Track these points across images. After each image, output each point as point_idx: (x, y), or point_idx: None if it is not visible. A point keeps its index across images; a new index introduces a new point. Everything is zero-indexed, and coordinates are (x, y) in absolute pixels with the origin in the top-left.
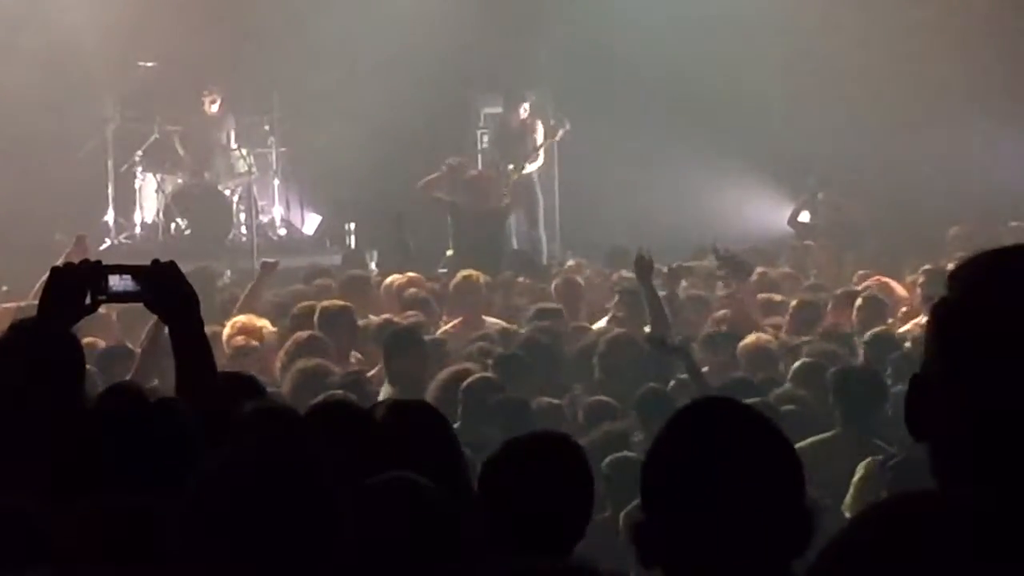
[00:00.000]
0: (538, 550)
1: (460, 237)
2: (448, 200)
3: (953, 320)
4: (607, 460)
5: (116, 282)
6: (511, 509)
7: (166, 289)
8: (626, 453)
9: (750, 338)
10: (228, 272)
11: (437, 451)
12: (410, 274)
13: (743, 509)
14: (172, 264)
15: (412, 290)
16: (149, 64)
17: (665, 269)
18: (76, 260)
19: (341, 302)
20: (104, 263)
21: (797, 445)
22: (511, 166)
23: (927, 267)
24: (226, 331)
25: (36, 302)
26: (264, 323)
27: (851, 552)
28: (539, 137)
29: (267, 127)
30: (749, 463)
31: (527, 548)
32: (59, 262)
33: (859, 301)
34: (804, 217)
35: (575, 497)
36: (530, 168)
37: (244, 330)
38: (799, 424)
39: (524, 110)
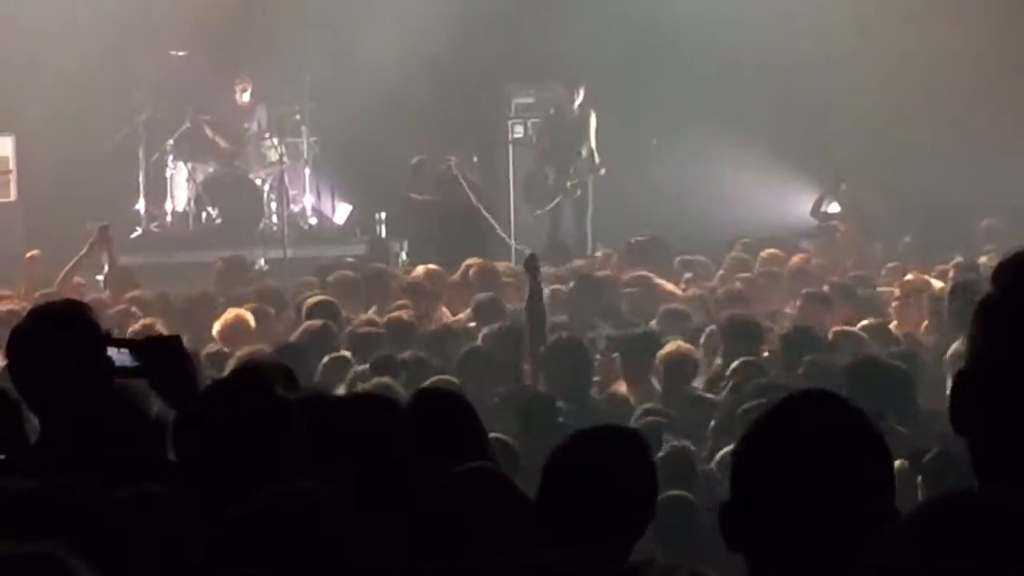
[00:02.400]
0: (599, 546)
1: (439, 232)
2: (420, 199)
3: (1000, 317)
4: None
5: (115, 355)
6: (575, 503)
7: (167, 367)
8: None
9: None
10: (262, 260)
11: (465, 438)
12: (431, 266)
13: (836, 502)
14: (175, 339)
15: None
16: (181, 53)
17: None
18: (100, 250)
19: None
20: (106, 335)
21: None
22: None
23: (958, 260)
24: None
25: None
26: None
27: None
28: (593, 135)
29: (298, 116)
30: (844, 456)
31: (588, 544)
32: (83, 252)
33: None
34: (833, 208)
35: (639, 494)
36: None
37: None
38: None
39: (581, 93)
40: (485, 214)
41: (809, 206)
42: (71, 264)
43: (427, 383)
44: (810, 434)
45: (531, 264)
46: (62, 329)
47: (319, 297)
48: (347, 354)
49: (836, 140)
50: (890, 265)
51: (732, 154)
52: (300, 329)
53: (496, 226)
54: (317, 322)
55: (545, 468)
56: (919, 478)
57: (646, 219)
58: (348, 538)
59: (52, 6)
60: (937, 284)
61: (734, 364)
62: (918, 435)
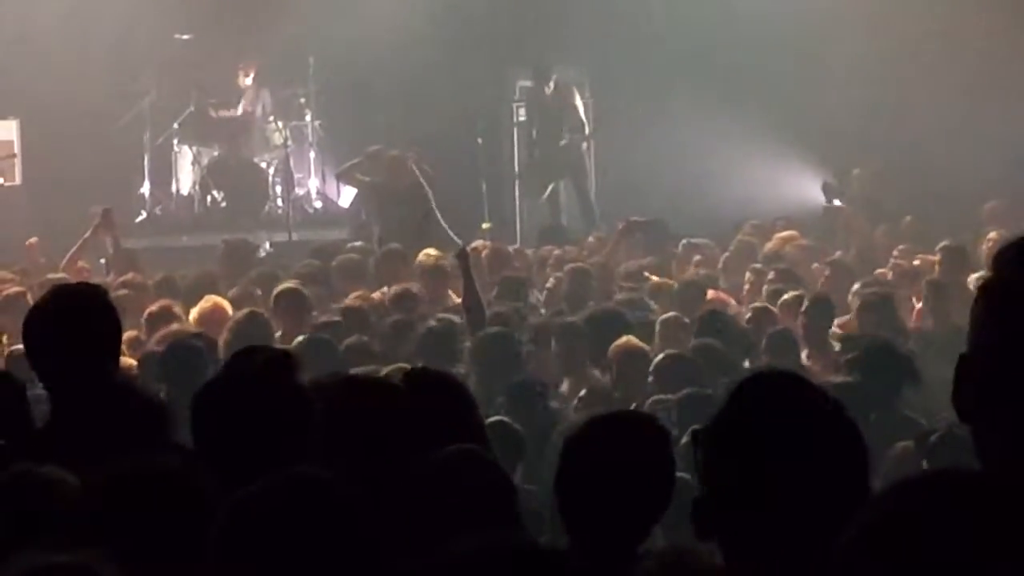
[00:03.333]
0: (615, 532)
1: (384, 215)
2: (367, 181)
3: (1003, 300)
4: None
5: None
6: (592, 488)
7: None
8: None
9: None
10: (267, 244)
11: (457, 419)
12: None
13: (806, 485)
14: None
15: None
16: (185, 37)
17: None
18: (104, 234)
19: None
20: None
21: None
22: (563, 141)
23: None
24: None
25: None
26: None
27: (884, 522)
28: (579, 106)
29: (303, 100)
30: (811, 438)
31: (604, 529)
32: (87, 235)
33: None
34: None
35: (656, 480)
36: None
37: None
38: None
39: (552, 83)
40: (432, 204)
41: (815, 189)
42: (75, 247)
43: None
44: (774, 416)
45: (463, 257)
46: (81, 310)
47: (286, 285)
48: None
49: (843, 121)
50: (901, 247)
51: (739, 135)
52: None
53: (439, 217)
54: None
55: (562, 454)
56: (924, 461)
57: (652, 200)
58: (350, 524)
59: None
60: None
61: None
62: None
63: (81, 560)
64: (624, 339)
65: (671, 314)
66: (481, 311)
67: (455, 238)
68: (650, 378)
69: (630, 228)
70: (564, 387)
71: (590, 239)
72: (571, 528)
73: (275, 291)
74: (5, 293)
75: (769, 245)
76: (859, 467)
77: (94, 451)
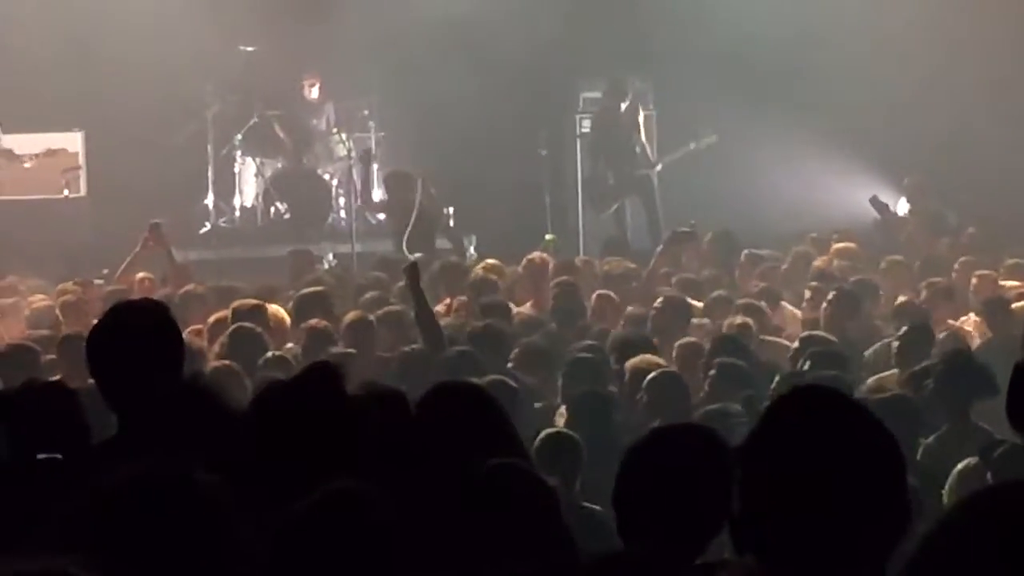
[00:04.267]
0: (674, 544)
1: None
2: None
3: None
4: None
5: None
6: (652, 500)
7: None
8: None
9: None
10: (331, 255)
11: (492, 433)
12: (490, 261)
13: (842, 499)
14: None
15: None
16: (250, 49)
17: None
18: (154, 248)
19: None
20: None
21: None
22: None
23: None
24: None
25: (123, 286)
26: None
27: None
28: (640, 125)
29: (366, 112)
30: (849, 452)
31: (663, 541)
32: (136, 249)
33: None
34: (901, 205)
35: (715, 493)
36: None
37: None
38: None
39: (628, 100)
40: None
41: (871, 200)
42: (126, 262)
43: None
44: (809, 432)
45: (412, 273)
46: (141, 326)
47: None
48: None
49: (902, 135)
50: (963, 259)
51: (796, 146)
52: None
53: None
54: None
55: (622, 464)
56: (989, 474)
57: (715, 213)
58: (391, 538)
59: (122, 2)
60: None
61: None
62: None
63: (55, 567)
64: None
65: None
66: (436, 328)
67: (409, 255)
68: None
69: (675, 239)
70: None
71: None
72: (628, 539)
73: (346, 320)
74: (35, 306)
75: (819, 261)
76: (896, 482)
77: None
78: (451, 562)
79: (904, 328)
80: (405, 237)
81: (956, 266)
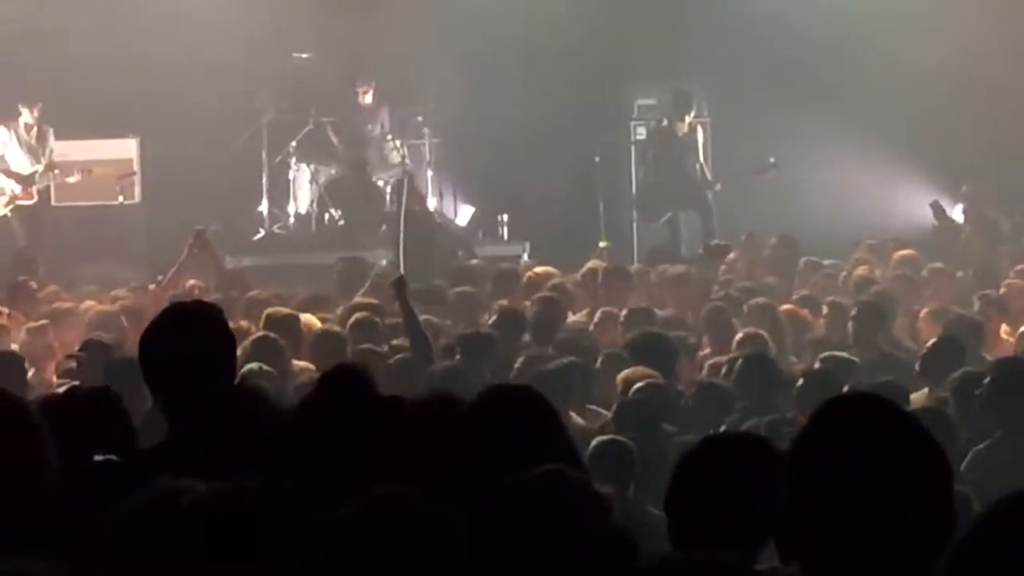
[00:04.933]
0: (728, 550)
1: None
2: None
3: None
4: None
5: None
6: (704, 508)
7: None
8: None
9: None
10: (383, 262)
11: (546, 437)
12: (548, 268)
13: (887, 508)
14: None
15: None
16: (304, 55)
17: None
18: (201, 254)
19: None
20: None
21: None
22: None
23: None
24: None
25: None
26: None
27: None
28: (699, 138)
29: (421, 118)
30: (894, 460)
31: (718, 547)
32: (182, 257)
33: None
34: (956, 212)
35: (767, 501)
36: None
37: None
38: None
39: (692, 113)
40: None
41: (928, 207)
42: (174, 268)
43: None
44: (854, 439)
45: (399, 286)
46: (194, 329)
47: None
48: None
49: (958, 141)
50: (1019, 268)
51: (854, 154)
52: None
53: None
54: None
55: (675, 471)
56: None
57: (770, 220)
58: (442, 544)
59: (175, 8)
60: None
61: None
62: None
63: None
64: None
65: None
66: (424, 338)
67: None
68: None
69: (711, 252)
70: None
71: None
72: (681, 545)
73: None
74: (96, 309)
75: (862, 269)
76: (942, 490)
77: (211, 467)
78: (501, 570)
79: (932, 340)
80: (400, 246)
81: (1011, 275)
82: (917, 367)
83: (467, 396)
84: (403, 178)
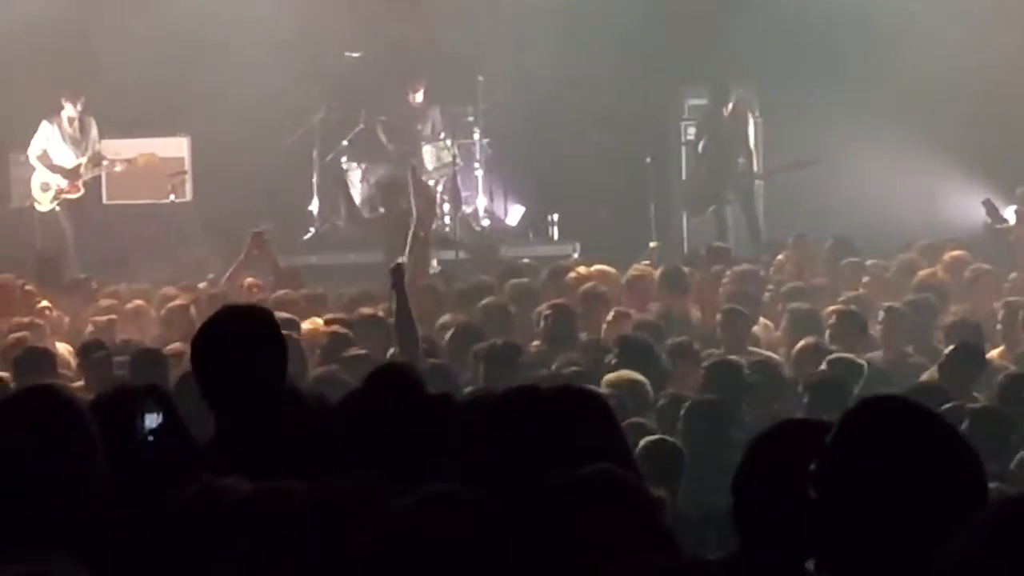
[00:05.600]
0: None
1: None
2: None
3: None
4: None
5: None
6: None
7: None
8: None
9: None
10: (434, 262)
11: (603, 437)
12: (601, 266)
13: (920, 513)
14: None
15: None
16: (355, 54)
17: (869, 263)
18: (257, 255)
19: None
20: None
21: None
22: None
23: None
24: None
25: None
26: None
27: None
28: (751, 135)
29: (471, 118)
30: (921, 463)
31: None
32: (241, 257)
33: None
34: (1008, 212)
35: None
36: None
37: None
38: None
39: (731, 105)
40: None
41: (981, 209)
42: (232, 268)
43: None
44: (884, 446)
45: (396, 277)
46: (247, 331)
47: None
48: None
49: (1014, 142)
50: None
51: (907, 153)
52: None
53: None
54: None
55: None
56: None
57: (820, 219)
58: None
59: (227, 8)
60: None
61: None
62: None
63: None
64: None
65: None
66: (413, 330)
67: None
68: None
69: (711, 254)
70: None
71: (779, 256)
72: (747, 539)
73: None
74: (169, 306)
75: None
76: (977, 494)
77: (260, 468)
78: (549, 570)
79: (951, 347)
80: (407, 248)
81: None
82: (936, 373)
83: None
84: (408, 176)
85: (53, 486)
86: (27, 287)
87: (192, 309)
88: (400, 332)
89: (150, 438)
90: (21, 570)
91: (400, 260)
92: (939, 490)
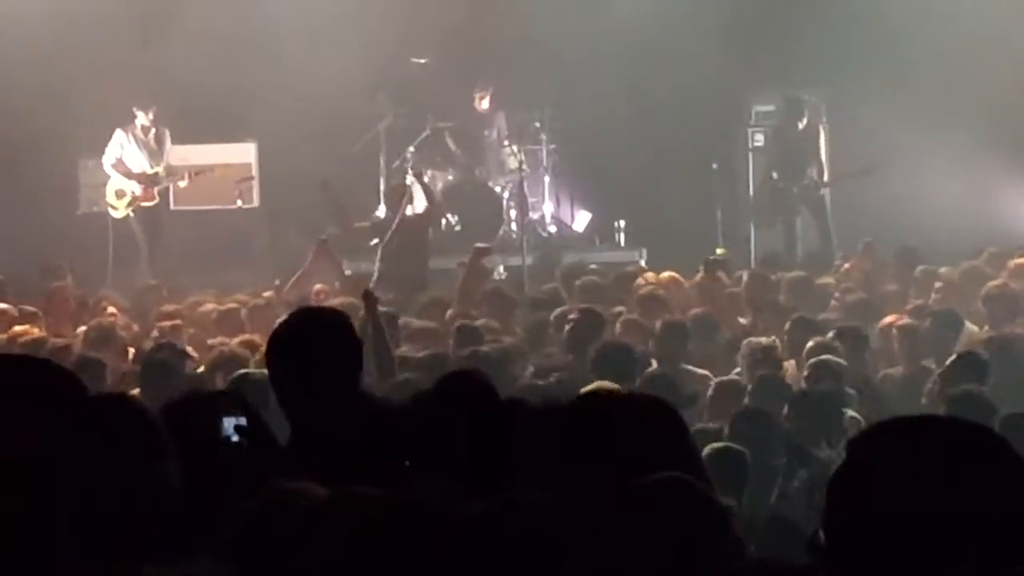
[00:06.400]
0: None
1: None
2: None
3: None
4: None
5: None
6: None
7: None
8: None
9: None
10: (501, 268)
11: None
12: (670, 273)
13: (938, 531)
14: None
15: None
16: (422, 60)
17: (943, 270)
18: (322, 263)
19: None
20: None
21: None
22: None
23: None
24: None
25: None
26: None
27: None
28: (822, 145)
29: (538, 124)
30: (978, 484)
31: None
32: (306, 265)
33: None
34: None
35: None
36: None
37: None
38: None
39: (806, 118)
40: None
41: None
42: (297, 275)
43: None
44: (903, 462)
45: (369, 298)
46: (323, 336)
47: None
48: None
49: None
50: None
51: (977, 158)
52: None
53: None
54: None
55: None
56: None
57: (889, 227)
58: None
59: (293, 14)
60: None
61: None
62: None
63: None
64: None
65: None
66: (389, 352)
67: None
68: None
69: (708, 267)
70: None
71: (846, 265)
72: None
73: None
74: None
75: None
76: (1013, 509)
77: (336, 472)
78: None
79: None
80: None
81: None
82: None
83: None
84: (406, 185)
85: (131, 494)
86: (105, 297)
87: (242, 313)
88: (377, 355)
89: (233, 441)
90: (179, 572)
91: (370, 285)
92: (965, 511)
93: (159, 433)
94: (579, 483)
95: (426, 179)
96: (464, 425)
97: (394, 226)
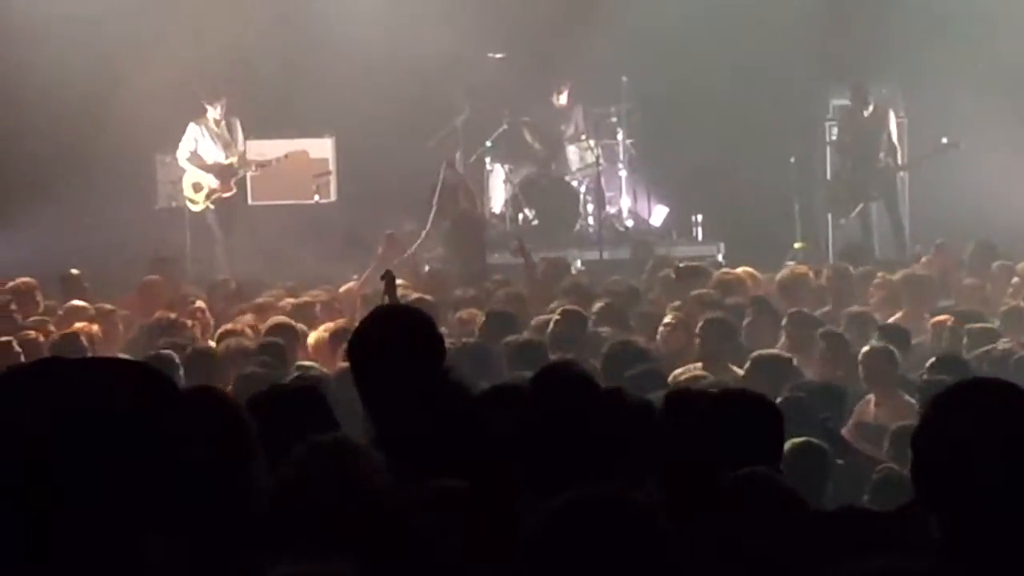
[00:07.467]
0: None
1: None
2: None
3: None
4: None
5: None
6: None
7: None
8: None
9: None
10: (578, 262)
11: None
12: (746, 268)
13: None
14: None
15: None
16: (499, 55)
17: (1020, 265)
18: (391, 258)
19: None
20: None
21: None
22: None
23: None
24: None
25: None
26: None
27: None
28: (893, 131)
29: (615, 119)
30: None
31: None
32: (375, 261)
33: None
34: None
35: None
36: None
37: None
38: None
39: (871, 105)
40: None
41: None
42: (367, 271)
43: None
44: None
45: (388, 280)
46: (404, 330)
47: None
48: None
49: None
50: None
51: None
52: None
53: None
54: None
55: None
56: None
57: (966, 221)
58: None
59: (371, 9)
60: None
61: None
62: None
63: (331, 570)
64: None
65: None
66: None
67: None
68: None
69: (681, 274)
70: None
71: (923, 259)
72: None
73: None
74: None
75: None
76: None
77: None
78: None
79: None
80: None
81: None
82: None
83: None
84: (455, 178)
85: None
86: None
87: (316, 308)
88: None
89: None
90: (310, 569)
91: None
92: None
93: (249, 428)
94: (677, 476)
95: (504, 172)
96: (563, 417)
97: (450, 222)
